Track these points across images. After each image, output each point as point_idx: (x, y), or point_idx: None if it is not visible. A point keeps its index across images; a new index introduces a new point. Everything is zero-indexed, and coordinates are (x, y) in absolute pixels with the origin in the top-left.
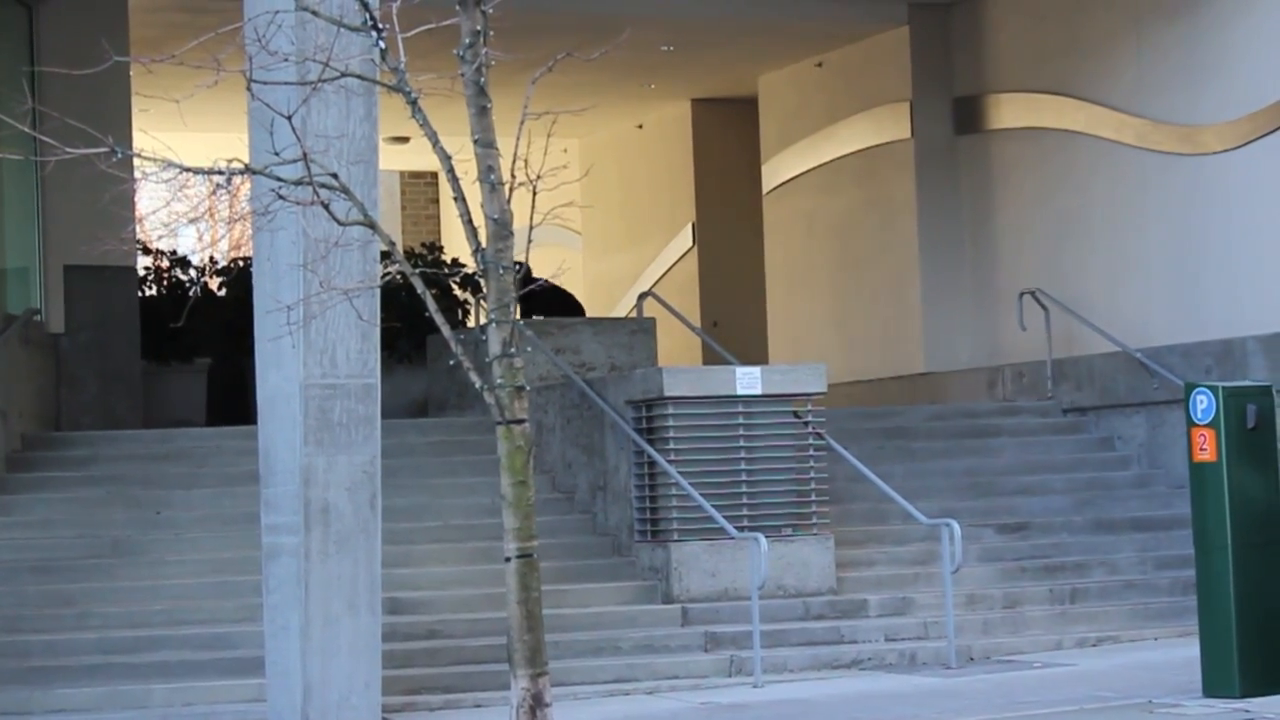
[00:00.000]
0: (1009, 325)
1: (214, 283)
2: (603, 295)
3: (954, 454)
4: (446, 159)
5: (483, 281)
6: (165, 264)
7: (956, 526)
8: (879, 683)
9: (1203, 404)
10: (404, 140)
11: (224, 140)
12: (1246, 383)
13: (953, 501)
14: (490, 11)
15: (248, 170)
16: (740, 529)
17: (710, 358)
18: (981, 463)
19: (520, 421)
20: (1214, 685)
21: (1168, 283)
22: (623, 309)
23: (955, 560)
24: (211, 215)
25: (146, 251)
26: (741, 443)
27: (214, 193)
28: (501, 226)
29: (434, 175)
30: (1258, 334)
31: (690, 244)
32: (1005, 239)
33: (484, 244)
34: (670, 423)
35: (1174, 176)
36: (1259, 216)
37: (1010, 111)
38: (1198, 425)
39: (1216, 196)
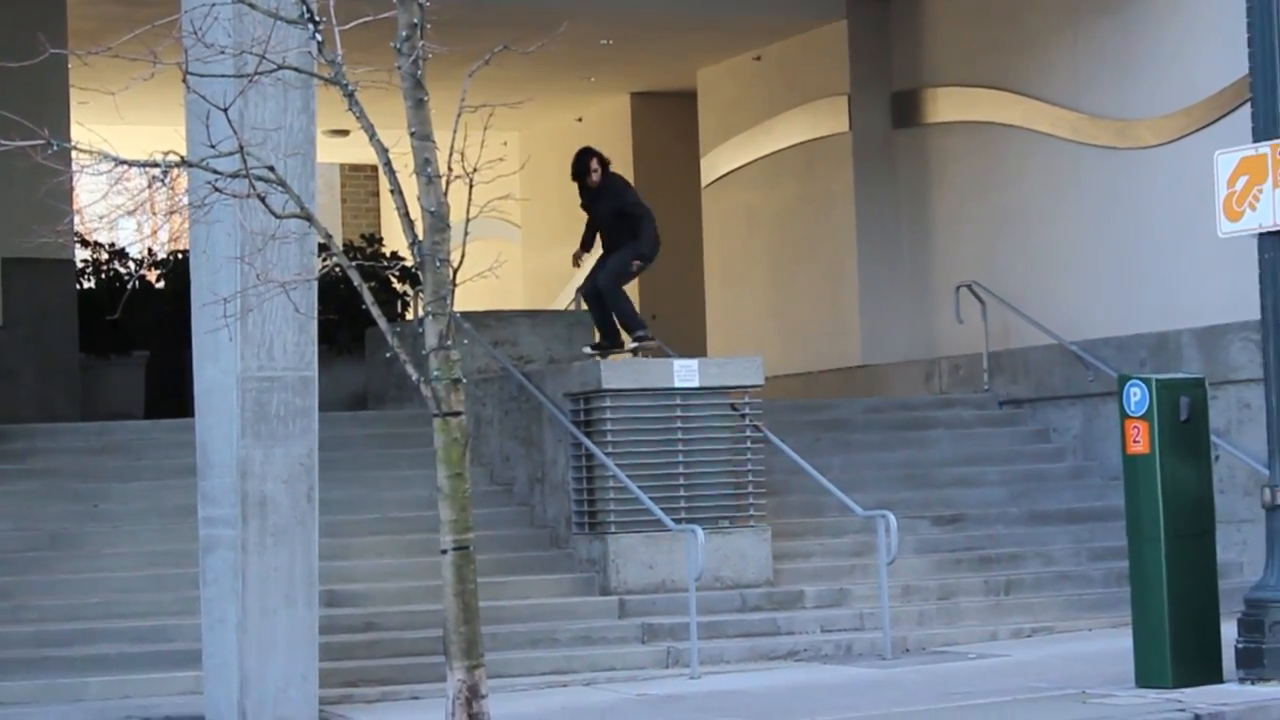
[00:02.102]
0: (945, 318)
1: (152, 275)
2: (541, 288)
3: (890, 446)
4: (384, 152)
5: (420, 274)
6: (103, 256)
7: (892, 518)
8: (815, 674)
9: (1136, 396)
10: (343, 133)
11: (162, 133)
12: (1180, 375)
13: (889, 493)
14: (427, 5)
15: (184, 163)
16: (677, 521)
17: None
18: (918, 455)
19: (457, 414)
20: (1147, 676)
21: (1103, 276)
22: (561, 302)
23: (891, 552)
24: (150, 208)
25: (85, 244)
26: (679, 435)
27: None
28: (438, 219)
29: (374, 168)
30: (1192, 327)
31: None
32: (942, 232)
33: (421, 236)
34: (608, 415)
35: (1109, 170)
36: (1192, 210)
37: (947, 105)
38: (1132, 417)
39: (1151, 190)
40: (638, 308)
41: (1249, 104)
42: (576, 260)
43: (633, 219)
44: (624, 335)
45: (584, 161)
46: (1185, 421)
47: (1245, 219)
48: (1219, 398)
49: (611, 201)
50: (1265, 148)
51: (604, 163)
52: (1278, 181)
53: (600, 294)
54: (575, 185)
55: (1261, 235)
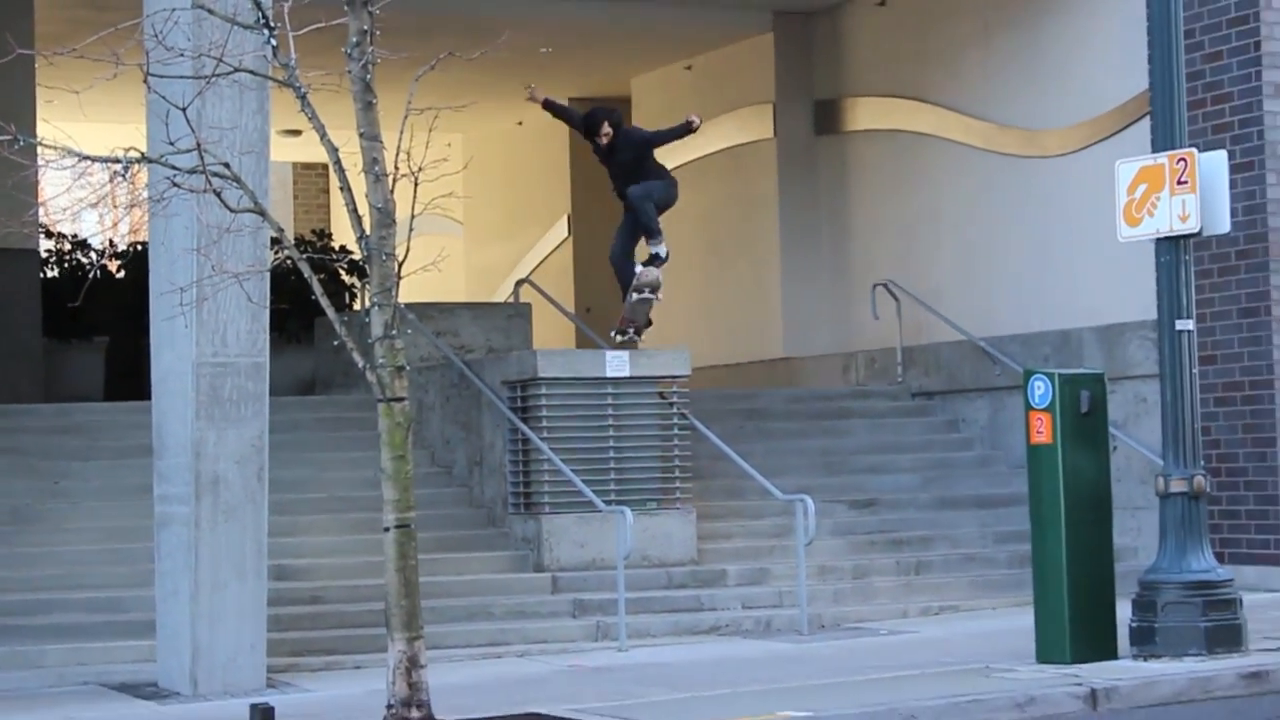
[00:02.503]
0: (863, 314)
1: (113, 265)
2: (482, 282)
3: (809, 434)
4: (334, 151)
5: (367, 267)
6: (67, 247)
7: (810, 502)
8: (736, 648)
9: (1040, 390)
10: (296, 133)
11: (124, 131)
12: (1081, 370)
13: (808, 479)
14: (377, 12)
15: (144, 159)
16: (608, 503)
17: (583, 342)
18: (835, 443)
19: (400, 400)
20: (1047, 652)
21: (1011, 277)
22: (501, 295)
23: (809, 534)
24: (112, 201)
25: (49, 235)
26: (610, 422)
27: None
28: (385, 215)
29: (324, 167)
30: (1092, 325)
31: (566, 234)
32: (860, 234)
33: (368, 231)
34: (544, 402)
35: (1017, 177)
36: (1095, 216)
37: (866, 114)
38: (1035, 409)
39: (1056, 197)
40: (573, 301)
41: (1149, 116)
42: (531, 92)
43: (651, 165)
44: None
45: (594, 123)
46: (1085, 414)
47: (1143, 225)
48: (1117, 392)
49: (631, 152)
50: (1163, 158)
51: (615, 124)
52: (1174, 190)
53: (626, 256)
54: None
55: (1158, 240)
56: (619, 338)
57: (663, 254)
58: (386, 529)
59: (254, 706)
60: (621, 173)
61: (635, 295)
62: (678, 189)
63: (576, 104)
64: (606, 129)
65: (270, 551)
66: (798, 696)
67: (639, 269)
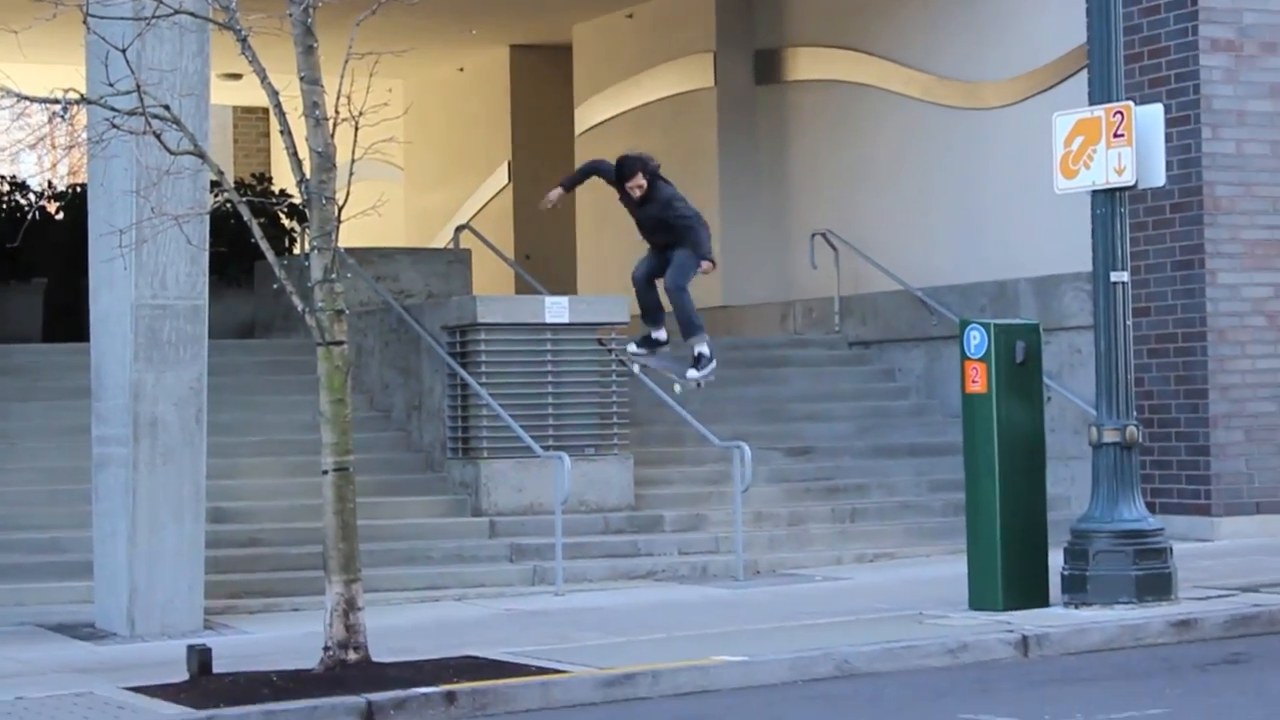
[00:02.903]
0: (801, 264)
1: (52, 207)
2: (422, 227)
3: (747, 382)
4: (274, 94)
5: (307, 211)
6: (5, 188)
7: (747, 449)
8: (672, 593)
9: (976, 340)
10: (236, 77)
11: (63, 72)
12: (1017, 321)
13: (745, 426)
14: None
15: (84, 100)
16: (546, 448)
17: (522, 288)
18: (772, 391)
19: (340, 343)
20: (979, 599)
21: (949, 228)
22: (441, 241)
23: (745, 481)
24: (51, 142)
25: None
26: (549, 368)
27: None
28: (325, 159)
29: (265, 111)
30: (1029, 276)
31: (506, 181)
32: (799, 183)
33: (308, 175)
34: (483, 348)
35: (957, 129)
36: (1032, 169)
37: (806, 64)
38: (971, 359)
39: (995, 149)
40: (513, 248)
41: (1086, 70)
42: (551, 202)
43: (681, 228)
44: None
45: (627, 172)
46: (1020, 364)
47: (1080, 177)
48: (1052, 343)
49: (657, 209)
50: (1100, 111)
51: (650, 173)
52: (1110, 142)
53: (648, 280)
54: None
55: (1094, 192)
56: (636, 366)
57: (707, 353)
58: (325, 472)
59: (191, 648)
60: (648, 224)
61: (676, 382)
62: (708, 230)
63: (517, 51)
64: (641, 180)
65: (209, 494)
66: (733, 641)
67: (688, 374)
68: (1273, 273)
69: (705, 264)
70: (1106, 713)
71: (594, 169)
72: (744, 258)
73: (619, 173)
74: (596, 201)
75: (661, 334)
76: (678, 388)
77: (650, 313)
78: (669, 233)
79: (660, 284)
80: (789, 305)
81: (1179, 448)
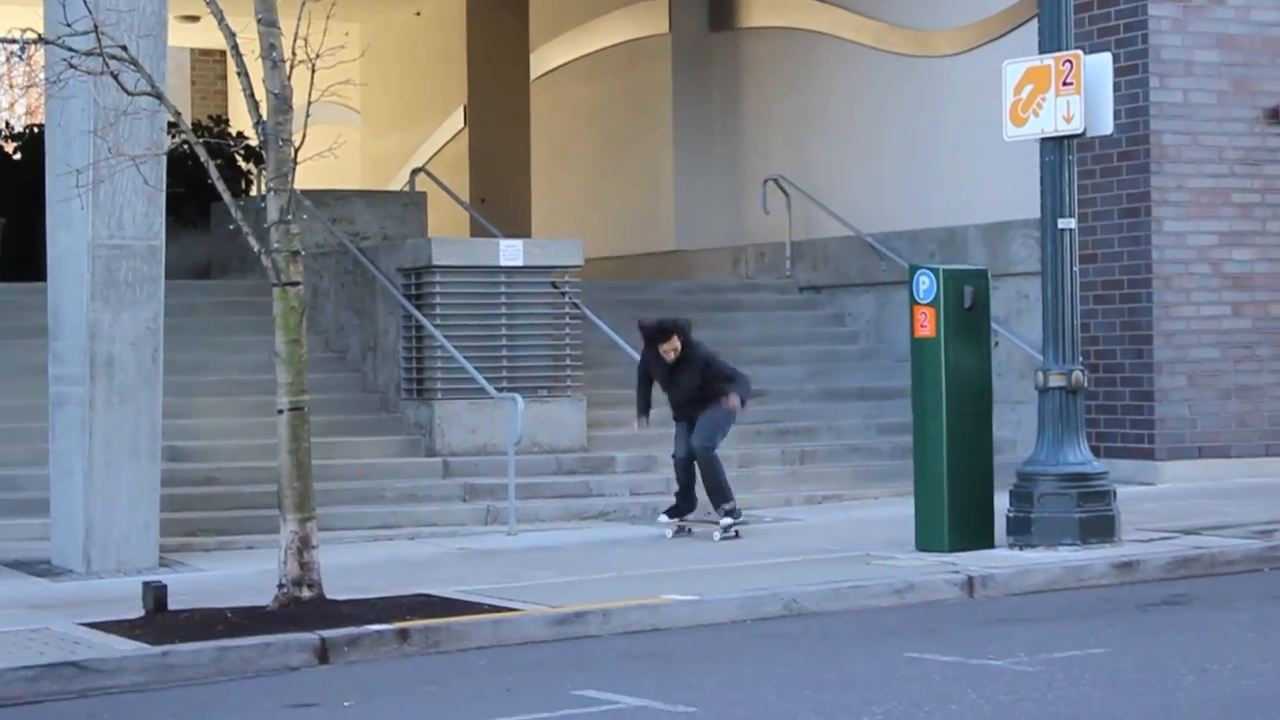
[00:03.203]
0: (753, 209)
1: (9, 147)
2: (378, 170)
3: (699, 326)
4: (231, 36)
5: (263, 153)
6: None
7: None
8: (623, 533)
9: (924, 285)
10: (194, 19)
11: (20, 12)
12: (965, 267)
13: None
14: None
15: (41, 40)
16: (500, 389)
17: (477, 231)
18: (724, 334)
19: (295, 284)
20: (926, 540)
21: (899, 174)
22: (397, 184)
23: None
24: (8, 82)
25: None
26: (503, 310)
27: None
28: (281, 101)
29: (222, 53)
30: (978, 223)
31: (462, 125)
32: (752, 129)
33: (265, 117)
34: (438, 290)
35: (908, 77)
36: (982, 117)
37: (760, 11)
38: (919, 304)
39: (945, 97)
40: (468, 191)
41: (1036, 19)
42: (641, 424)
43: (719, 386)
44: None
45: (664, 336)
46: (968, 309)
47: (1029, 125)
48: (1000, 288)
49: (695, 373)
50: (1049, 59)
51: (684, 336)
52: (1060, 90)
53: (692, 458)
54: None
55: (1043, 140)
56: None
57: (735, 515)
58: (280, 412)
59: (147, 584)
60: (684, 392)
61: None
62: (748, 385)
63: None
64: (675, 343)
65: (165, 433)
66: (682, 581)
67: (722, 521)
68: (1217, 221)
69: (734, 400)
70: (1049, 652)
71: (643, 367)
72: (697, 202)
73: (652, 336)
74: (551, 145)
75: (692, 514)
76: (716, 535)
77: (685, 491)
78: (703, 398)
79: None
80: (741, 250)
81: (1123, 393)
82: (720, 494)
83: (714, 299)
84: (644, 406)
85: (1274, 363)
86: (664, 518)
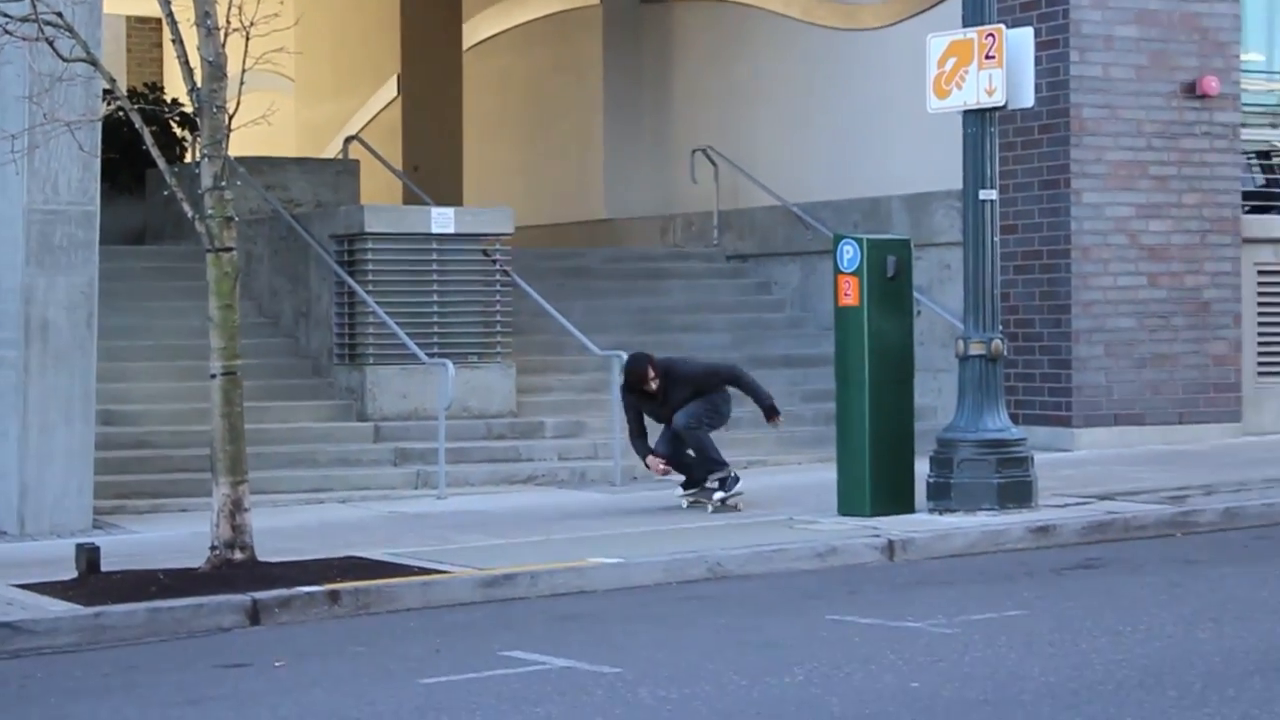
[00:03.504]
0: (682, 178)
1: None
2: (312, 138)
3: (628, 293)
4: (166, 3)
5: (198, 120)
6: None
7: (626, 358)
8: (551, 497)
9: (849, 254)
10: None
11: None
12: (888, 236)
13: (625, 336)
14: None
15: None
16: (431, 355)
17: (410, 199)
18: (653, 302)
19: (229, 250)
20: (848, 505)
21: (825, 145)
22: (330, 151)
23: None
24: None
25: None
26: (434, 277)
27: None
28: (216, 68)
29: (158, 21)
30: (901, 194)
31: (395, 94)
32: (681, 100)
33: (199, 84)
34: (370, 257)
35: (835, 49)
36: (906, 89)
37: None
38: (843, 273)
39: (871, 70)
40: (401, 160)
41: None
42: (666, 469)
43: (721, 386)
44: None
45: (637, 375)
46: (891, 278)
47: (952, 97)
48: (922, 258)
49: (681, 391)
50: (972, 33)
51: (659, 371)
52: (982, 64)
53: (674, 448)
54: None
55: (966, 112)
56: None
57: (727, 485)
58: (213, 376)
59: (80, 546)
60: (681, 405)
61: (709, 505)
62: (762, 389)
63: None
64: (653, 376)
65: (99, 397)
66: (609, 544)
67: (715, 495)
68: (1135, 193)
69: (777, 418)
70: (967, 614)
71: (631, 410)
72: (626, 171)
73: (629, 378)
74: (483, 115)
75: (710, 482)
76: (710, 508)
77: (687, 469)
78: (698, 398)
79: (679, 441)
80: (670, 219)
81: (1042, 361)
82: (710, 463)
83: (642, 267)
84: (645, 449)
85: (1188, 332)
86: (680, 490)
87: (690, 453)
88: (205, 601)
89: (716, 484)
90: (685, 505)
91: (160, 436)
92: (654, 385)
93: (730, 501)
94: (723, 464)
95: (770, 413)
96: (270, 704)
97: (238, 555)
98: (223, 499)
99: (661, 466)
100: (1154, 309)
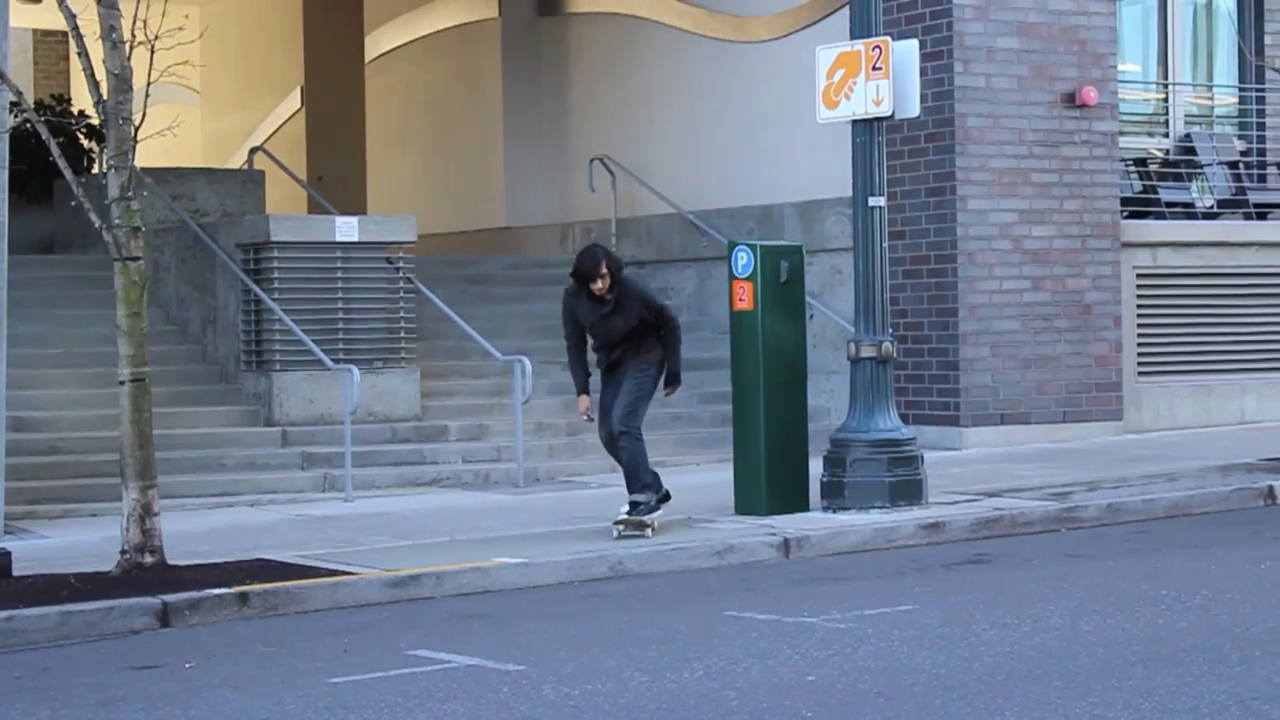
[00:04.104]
0: (580, 187)
1: None
2: (218, 149)
3: (529, 299)
4: (72, 17)
5: (105, 131)
6: None
7: (528, 363)
8: (456, 499)
9: (743, 260)
10: (36, 0)
11: None
12: (781, 243)
13: (526, 341)
14: None
15: None
16: (336, 361)
17: (315, 208)
18: (552, 307)
19: (136, 259)
20: (745, 505)
21: (719, 154)
22: (236, 162)
23: (526, 393)
24: None
25: None
26: (339, 284)
27: None
28: (122, 81)
29: (64, 34)
30: (793, 201)
31: (299, 105)
32: (579, 111)
33: (106, 97)
34: (276, 265)
35: (727, 61)
36: (796, 100)
37: None
38: (738, 278)
39: (763, 81)
40: (305, 170)
41: (848, 6)
42: (589, 415)
43: (658, 337)
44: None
45: (588, 267)
46: (784, 283)
47: (840, 107)
48: (815, 264)
49: (630, 313)
50: (859, 45)
51: (614, 268)
52: (870, 75)
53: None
54: (251, 55)
55: (854, 122)
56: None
57: (643, 504)
58: (122, 383)
59: None
60: (616, 335)
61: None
62: (679, 336)
63: None
64: (603, 273)
65: (9, 404)
66: (513, 545)
67: (621, 512)
68: (1018, 199)
69: (667, 389)
70: (861, 609)
71: (570, 322)
72: (526, 181)
73: (578, 269)
74: (386, 125)
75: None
76: (614, 531)
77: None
78: (638, 344)
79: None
80: (568, 226)
81: (931, 363)
82: (635, 479)
83: (542, 274)
84: (584, 379)
85: (1071, 334)
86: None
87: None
88: (116, 604)
89: (630, 506)
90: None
91: (71, 443)
92: (603, 284)
93: (643, 529)
94: (648, 484)
95: (672, 379)
96: (181, 704)
97: (148, 559)
98: (132, 504)
99: (585, 410)
100: (1038, 311)
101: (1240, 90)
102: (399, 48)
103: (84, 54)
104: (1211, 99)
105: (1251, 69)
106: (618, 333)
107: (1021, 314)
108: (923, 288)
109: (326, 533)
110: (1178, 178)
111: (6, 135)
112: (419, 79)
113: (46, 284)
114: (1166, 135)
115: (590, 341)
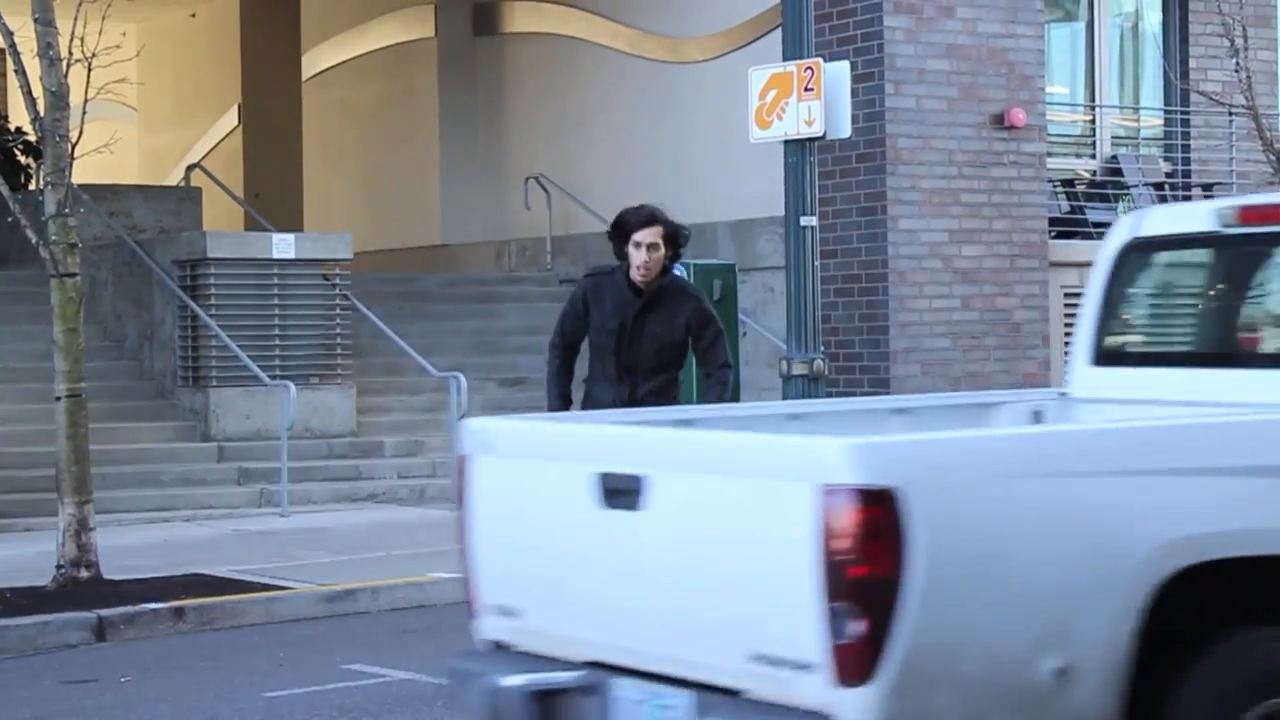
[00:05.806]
0: (516, 205)
1: None
2: (155, 166)
3: (464, 316)
4: (8, 34)
5: (41, 148)
6: None
7: (463, 379)
8: (392, 514)
9: None
10: None
11: None
12: (715, 261)
13: (461, 357)
14: None
15: None
16: (273, 377)
17: (251, 225)
18: (487, 324)
19: (73, 275)
20: None
21: (654, 173)
22: (173, 179)
23: (461, 409)
24: None
25: None
26: (276, 301)
27: None
28: (58, 98)
29: (1, 51)
30: (726, 220)
31: (236, 123)
32: (515, 130)
33: (42, 114)
34: (212, 281)
35: (661, 81)
36: (730, 120)
37: (522, 17)
38: None
39: (696, 101)
40: (242, 187)
41: (780, 28)
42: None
43: (679, 369)
44: None
45: (636, 223)
46: (718, 301)
47: (773, 128)
48: (748, 282)
49: (667, 325)
50: (792, 66)
51: (674, 237)
52: (802, 96)
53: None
54: (188, 73)
55: (786, 142)
56: None
57: None
58: (58, 398)
59: None
60: (642, 352)
61: None
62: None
63: None
64: (656, 237)
65: None
66: (448, 559)
67: None
68: (948, 219)
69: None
70: None
71: (568, 321)
72: (462, 199)
73: (621, 220)
74: (323, 143)
75: None
76: None
77: None
78: (670, 383)
79: None
80: (504, 244)
81: (862, 380)
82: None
83: (478, 290)
84: (562, 409)
85: (1000, 352)
86: None
87: None
88: (51, 619)
89: None
90: None
91: (6, 458)
92: (650, 255)
93: None
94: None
95: None
96: (117, 718)
97: (84, 573)
98: (68, 519)
99: None
100: (967, 330)
101: (1166, 113)
102: (336, 66)
103: (20, 71)
104: (1138, 121)
105: (1177, 92)
106: (649, 347)
107: (951, 332)
108: (854, 306)
109: (262, 548)
110: (1104, 199)
111: None
112: (356, 97)
113: None
114: (1094, 157)
115: (598, 366)
